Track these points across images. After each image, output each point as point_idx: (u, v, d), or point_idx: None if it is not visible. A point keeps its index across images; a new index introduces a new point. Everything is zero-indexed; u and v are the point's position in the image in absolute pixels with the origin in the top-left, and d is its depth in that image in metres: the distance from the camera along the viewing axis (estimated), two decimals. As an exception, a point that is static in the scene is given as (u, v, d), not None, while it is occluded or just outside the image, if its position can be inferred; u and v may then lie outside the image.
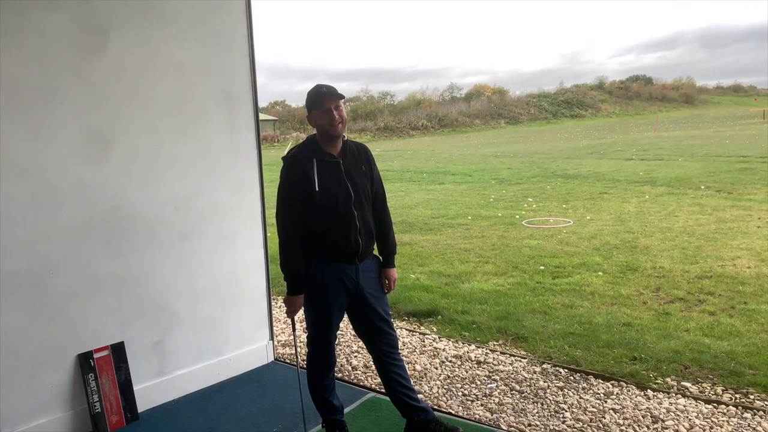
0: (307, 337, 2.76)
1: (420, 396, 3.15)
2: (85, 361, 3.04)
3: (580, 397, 3.39)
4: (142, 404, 3.24)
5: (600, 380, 3.59)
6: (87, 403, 3.05)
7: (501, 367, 3.85)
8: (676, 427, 3.03)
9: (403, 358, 3.11)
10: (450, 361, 3.99)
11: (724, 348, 3.90)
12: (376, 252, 2.79)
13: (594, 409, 3.24)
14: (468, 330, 4.56)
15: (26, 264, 2.81)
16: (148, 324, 3.29)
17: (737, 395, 3.36)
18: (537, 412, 3.25)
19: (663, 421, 3.10)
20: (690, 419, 3.11)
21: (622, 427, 3.06)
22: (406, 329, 4.64)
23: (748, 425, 3.03)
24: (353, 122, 47.71)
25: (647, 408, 3.23)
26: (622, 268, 6.02)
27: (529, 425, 3.12)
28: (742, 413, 3.15)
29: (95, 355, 3.08)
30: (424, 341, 4.38)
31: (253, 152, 3.73)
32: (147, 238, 3.24)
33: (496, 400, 3.42)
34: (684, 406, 3.24)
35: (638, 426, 3.07)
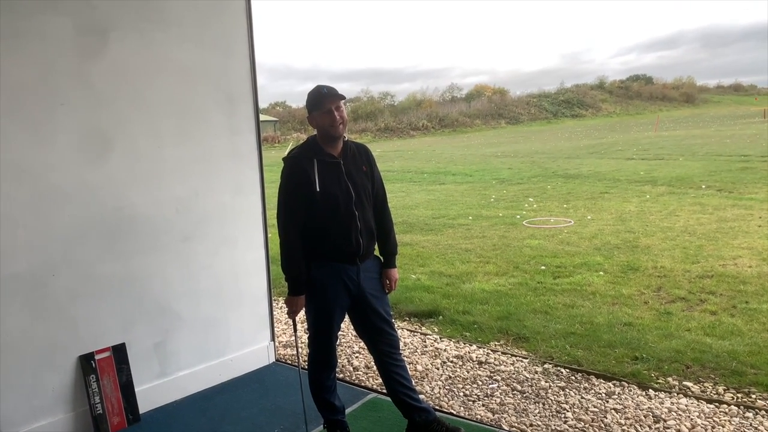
0: (308, 337, 2.75)
1: (421, 396, 3.14)
2: (86, 362, 3.04)
3: (582, 397, 3.39)
4: (144, 405, 3.25)
5: (601, 380, 3.59)
6: (88, 405, 3.05)
7: (502, 368, 3.85)
8: (678, 427, 3.03)
9: (405, 359, 3.10)
10: (451, 362, 3.99)
11: (726, 347, 3.90)
12: (377, 252, 2.79)
13: (596, 409, 3.24)
14: (469, 330, 4.56)
15: (27, 265, 2.82)
16: (149, 325, 3.29)
17: (739, 395, 3.36)
18: (538, 413, 3.25)
19: (665, 420, 3.09)
20: (692, 419, 3.10)
21: (624, 427, 3.06)
22: (408, 330, 4.64)
23: (750, 425, 3.03)
24: (354, 123, 47.68)
25: (649, 408, 3.23)
26: (623, 267, 6.02)
27: (531, 425, 3.12)
28: (744, 413, 3.15)
29: (97, 357, 3.08)
30: (425, 342, 4.38)
31: (253, 153, 3.74)
32: (148, 239, 3.24)
33: (498, 400, 3.42)
34: (686, 405, 3.24)
35: (640, 426, 3.06)
